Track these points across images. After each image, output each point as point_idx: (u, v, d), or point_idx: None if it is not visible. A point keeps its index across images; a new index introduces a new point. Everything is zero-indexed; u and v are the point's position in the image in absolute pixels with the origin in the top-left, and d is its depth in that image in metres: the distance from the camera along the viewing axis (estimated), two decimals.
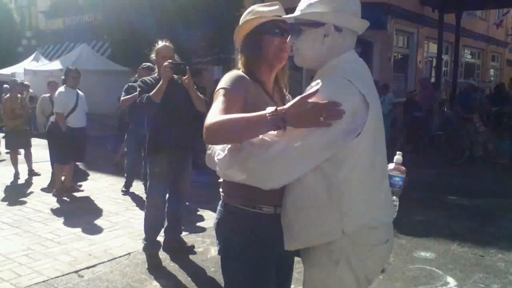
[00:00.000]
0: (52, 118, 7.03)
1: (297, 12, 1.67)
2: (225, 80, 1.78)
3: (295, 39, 1.68)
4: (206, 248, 4.66)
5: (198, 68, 11.31)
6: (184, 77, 3.96)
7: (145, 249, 4.23)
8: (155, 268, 4.12)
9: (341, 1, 1.62)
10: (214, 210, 6.23)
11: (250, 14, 1.89)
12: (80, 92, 6.98)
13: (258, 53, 1.85)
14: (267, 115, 1.44)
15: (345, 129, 1.47)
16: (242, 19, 1.93)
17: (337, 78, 1.54)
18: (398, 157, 1.91)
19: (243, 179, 1.59)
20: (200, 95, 4.20)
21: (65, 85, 6.85)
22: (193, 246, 4.57)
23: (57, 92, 6.84)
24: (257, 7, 1.91)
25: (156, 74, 4.23)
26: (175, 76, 4.02)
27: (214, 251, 4.56)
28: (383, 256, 1.73)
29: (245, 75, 1.84)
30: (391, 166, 1.87)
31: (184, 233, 4.76)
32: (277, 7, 1.90)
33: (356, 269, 1.61)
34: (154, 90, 3.90)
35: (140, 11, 10.89)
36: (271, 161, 1.50)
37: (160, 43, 4.20)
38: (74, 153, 6.90)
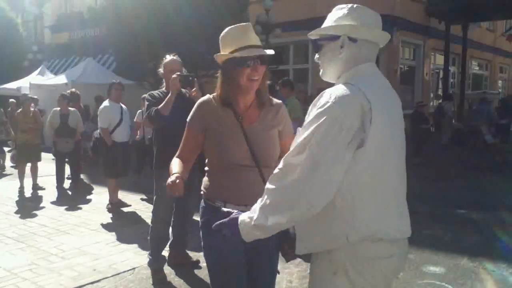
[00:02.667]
0: (96, 133, 7.05)
1: (316, 30, 1.76)
2: (192, 110, 2.23)
3: (318, 54, 1.79)
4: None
5: (203, 82, 11.34)
6: (193, 90, 3.95)
7: (150, 264, 4.18)
8: (159, 283, 4.07)
9: (358, 13, 1.69)
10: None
11: (225, 43, 2.12)
12: (123, 106, 6.97)
13: (232, 82, 2.09)
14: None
15: (356, 135, 1.50)
16: (220, 41, 2.16)
17: (342, 86, 1.57)
18: None
19: (288, 219, 1.52)
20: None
21: (108, 99, 6.88)
22: (198, 261, 4.51)
23: (101, 107, 6.87)
24: (230, 36, 2.12)
25: (164, 88, 4.22)
26: (183, 90, 4.01)
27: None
28: (385, 271, 1.64)
29: (208, 101, 2.19)
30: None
31: (189, 248, 4.71)
32: (249, 32, 2.11)
33: (354, 281, 1.59)
34: (162, 103, 3.89)
35: (145, 24, 10.94)
36: (298, 189, 1.47)
37: (168, 57, 4.20)
38: (119, 168, 6.90)
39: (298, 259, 4.62)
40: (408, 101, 17.23)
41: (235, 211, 1.83)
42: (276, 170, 1.55)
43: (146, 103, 4.11)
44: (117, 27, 12.87)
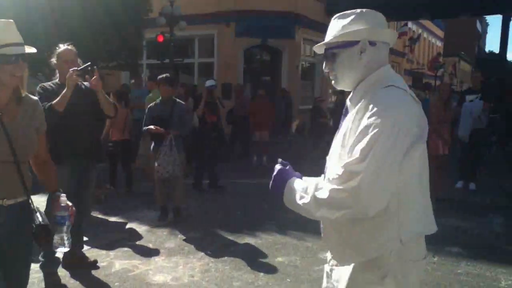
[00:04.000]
0: None
1: (329, 37, 1.71)
2: None
3: (331, 64, 1.73)
4: (110, 262, 4.46)
5: (104, 74, 10.88)
6: (93, 78, 3.78)
7: (42, 266, 3.94)
8: (53, 287, 3.85)
9: (370, 16, 1.69)
10: (121, 222, 6.01)
11: None
12: None
13: None
14: None
15: (415, 139, 1.52)
16: None
17: (393, 90, 1.57)
18: (63, 198, 2.24)
19: (336, 218, 1.55)
20: (108, 98, 4.05)
21: None
22: (96, 261, 4.34)
23: None
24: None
25: (57, 80, 3.98)
26: (79, 82, 3.82)
27: (119, 265, 4.38)
28: (421, 272, 1.72)
29: None
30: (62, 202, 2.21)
31: (86, 247, 4.53)
32: (11, 29, 2.12)
33: (400, 285, 1.60)
34: (57, 99, 3.66)
35: (37, 11, 10.18)
36: (367, 189, 1.47)
37: (62, 47, 3.95)
38: None
39: (201, 253, 4.65)
40: (309, 97, 17.97)
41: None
42: (334, 176, 1.52)
43: (38, 96, 3.85)
44: (8, 14, 11.82)
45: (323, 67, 1.79)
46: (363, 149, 1.47)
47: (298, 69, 17.22)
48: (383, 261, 1.59)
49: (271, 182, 1.75)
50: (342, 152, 1.61)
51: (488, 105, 7.56)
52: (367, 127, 1.49)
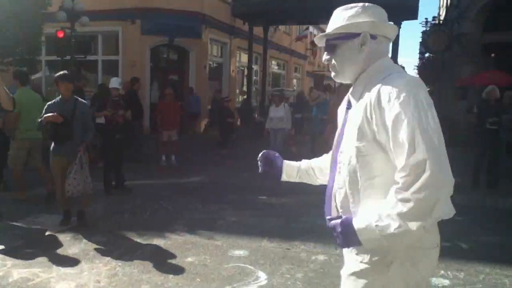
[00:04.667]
0: None
1: (331, 29, 1.71)
2: None
3: (331, 55, 1.73)
4: (7, 271, 4.15)
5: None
6: None
7: None
8: None
9: (372, 10, 1.69)
10: (18, 227, 5.57)
11: None
12: None
13: None
14: None
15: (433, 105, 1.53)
16: None
17: (402, 75, 1.58)
18: None
19: (435, 212, 1.45)
20: (8, 92, 3.83)
21: None
22: None
23: None
24: None
25: None
26: None
27: (17, 274, 4.09)
28: (434, 261, 1.65)
29: None
30: None
31: None
32: None
33: (408, 273, 1.58)
34: None
35: None
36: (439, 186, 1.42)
37: None
38: None
39: (107, 258, 4.50)
40: (217, 96, 18.02)
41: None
42: (401, 180, 1.44)
43: None
44: None
45: (323, 59, 1.79)
46: (409, 139, 1.43)
47: (206, 69, 17.22)
48: (389, 249, 1.55)
49: (341, 241, 1.58)
50: (361, 145, 1.58)
51: None
52: (396, 118, 1.46)
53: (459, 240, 5.28)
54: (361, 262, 1.63)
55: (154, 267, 4.32)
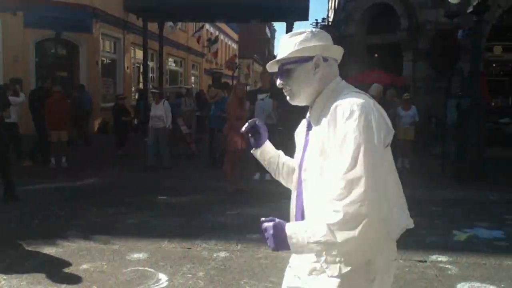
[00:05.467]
0: None
1: (284, 54, 1.75)
2: None
3: (286, 80, 1.76)
4: None
5: None
6: None
7: None
8: None
9: (321, 35, 1.77)
10: None
11: None
12: None
13: None
14: None
15: (385, 130, 1.58)
16: None
17: (353, 94, 1.64)
18: None
19: (362, 227, 1.46)
20: None
21: None
22: None
23: None
24: None
25: None
26: None
27: None
28: (393, 274, 1.75)
29: None
30: None
31: None
32: None
33: (385, 285, 1.65)
34: None
35: None
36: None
37: None
38: None
39: None
40: (111, 94, 17.34)
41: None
42: (336, 191, 1.48)
43: None
44: None
45: (277, 83, 1.82)
46: (353, 154, 1.48)
47: (98, 65, 16.44)
48: (374, 264, 1.60)
49: (271, 243, 1.60)
50: (323, 164, 1.61)
51: (277, 103, 8.41)
52: (344, 134, 1.52)
53: None
54: (331, 276, 1.61)
55: (46, 277, 4.03)
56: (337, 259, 1.58)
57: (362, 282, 1.59)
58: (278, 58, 1.79)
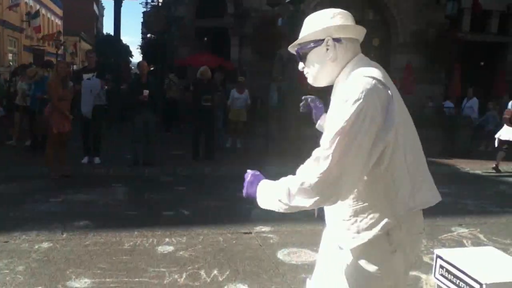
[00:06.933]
0: None
1: (298, 40, 1.80)
2: None
3: (304, 63, 1.82)
4: None
5: None
6: None
7: None
8: None
9: (329, 16, 1.76)
10: None
11: None
12: None
13: None
14: None
15: (383, 124, 1.58)
16: None
17: (359, 78, 1.62)
18: None
19: (313, 201, 1.58)
20: None
21: None
22: None
23: None
24: None
25: None
26: None
27: None
28: (421, 244, 1.88)
29: None
30: None
31: None
32: None
33: (407, 257, 1.73)
34: None
35: None
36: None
37: None
38: None
39: None
40: None
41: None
42: (306, 163, 1.60)
43: None
44: None
45: (299, 68, 1.86)
46: (330, 137, 1.55)
47: None
48: (393, 237, 1.69)
49: (244, 189, 1.74)
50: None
51: (105, 83, 8.08)
52: (335, 116, 1.60)
53: (182, 207, 5.78)
54: (362, 253, 1.72)
55: None
56: (358, 232, 1.71)
57: (383, 252, 1.70)
58: (294, 42, 1.84)
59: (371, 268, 1.70)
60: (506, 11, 16.08)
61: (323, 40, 1.75)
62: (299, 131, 9.45)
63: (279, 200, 1.64)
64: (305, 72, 1.85)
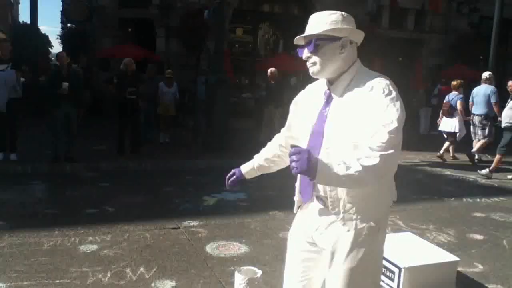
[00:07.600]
0: None
1: (317, 30, 1.91)
2: None
3: (313, 53, 1.93)
4: None
5: None
6: None
7: None
8: None
9: (349, 19, 1.95)
10: None
11: None
12: None
13: None
14: None
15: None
16: None
17: (385, 80, 1.89)
18: None
19: (383, 177, 1.84)
20: None
21: None
22: None
23: None
24: None
25: None
26: None
27: None
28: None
29: None
30: None
31: None
32: None
33: (384, 236, 2.06)
34: None
35: None
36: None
37: None
38: None
39: None
40: None
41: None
42: (379, 144, 1.73)
43: None
44: None
45: (303, 55, 1.96)
46: (396, 125, 1.75)
47: None
48: (379, 218, 1.98)
49: (304, 164, 1.67)
50: (356, 138, 1.81)
51: (21, 74, 7.58)
52: (388, 105, 1.79)
53: (106, 204, 5.58)
54: (348, 231, 1.93)
55: None
56: (354, 217, 1.92)
57: (372, 232, 1.95)
58: (311, 33, 1.93)
59: (380, 247, 2.04)
60: (421, 9, 17.01)
61: (340, 38, 1.93)
62: (227, 124, 9.46)
63: (352, 176, 1.72)
64: (309, 62, 1.97)
